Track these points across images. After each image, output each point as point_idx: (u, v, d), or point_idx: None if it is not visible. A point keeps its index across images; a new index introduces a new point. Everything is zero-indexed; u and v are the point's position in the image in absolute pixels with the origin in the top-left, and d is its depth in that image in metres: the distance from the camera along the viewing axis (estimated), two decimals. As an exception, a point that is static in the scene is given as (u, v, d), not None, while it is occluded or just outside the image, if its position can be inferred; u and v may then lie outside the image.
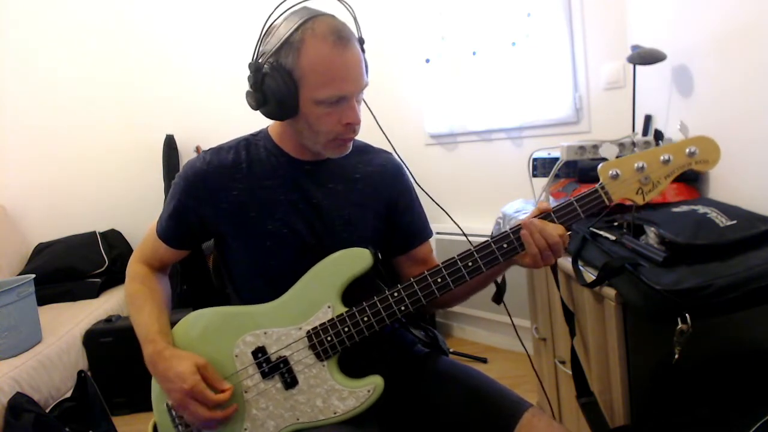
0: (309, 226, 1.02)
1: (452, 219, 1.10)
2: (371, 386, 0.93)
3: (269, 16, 0.92)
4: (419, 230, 1.12)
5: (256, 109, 0.95)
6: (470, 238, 1.05)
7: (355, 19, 0.95)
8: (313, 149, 1.00)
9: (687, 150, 0.90)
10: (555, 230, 0.89)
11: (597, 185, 0.92)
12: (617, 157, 0.94)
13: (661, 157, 0.90)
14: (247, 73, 0.94)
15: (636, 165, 0.91)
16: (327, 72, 0.89)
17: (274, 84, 0.90)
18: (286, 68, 0.89)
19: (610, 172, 0.91)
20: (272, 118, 0.97)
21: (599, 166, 0.92)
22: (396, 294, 0.93)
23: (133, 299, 1.04)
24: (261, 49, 0.92)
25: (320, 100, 0.91)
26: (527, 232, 0.90)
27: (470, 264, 0.92)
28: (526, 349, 1.16)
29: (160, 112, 2.96)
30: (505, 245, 0.92)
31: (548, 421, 0.93)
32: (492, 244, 0.92)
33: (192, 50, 2.95)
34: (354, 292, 0.96)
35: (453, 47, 2.53)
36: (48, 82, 2.90)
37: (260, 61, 0.91)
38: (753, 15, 1.21)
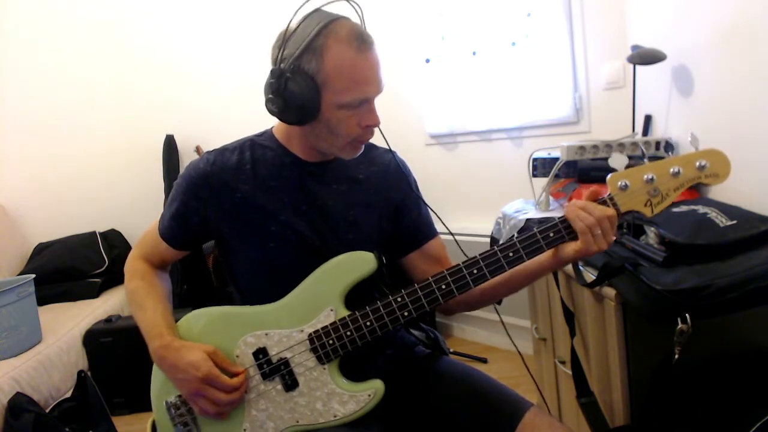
0: (313, 227, 1.01)
1: (442, 222, 1.10)
2: (372, 391, 0.93)
3: (289, 22, 0.91)
4: (427, 226, 1.12)
5: (276, 116, 0.94)
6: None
7: (362, 19, 0.94)
8: (328, 151, 1.00)
9: (697, 163, 0.89)
10: (601, 209, 0.87)
11: (606, 196, 0.90)
12: (627, 167, 0.92)
13: (671, 170, 0.89)
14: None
15: (645, 177, 0.89)
16: (351, 75, 0.89)
17: (297, 89, 0.89)
18: (308, 73, 0.89)
19: (619, 183, 0.90)
20: (291, 124, 0.96)
21: (608, 177, 0.90)
22: (399, 299, 0.92)
23: (135, 295, 1.04)
24: (280, 54, 0.91)
25: (344, 104, 0.90)
26: (569, 210, 0.88)
27: (475, 272, 0.90)
28: (518, 351, 1.17)
29: (160, 112, 2.96)
30: (510, 254, 0.90)
31: (550, 421, 0.93)
32: (498, 252, 0.90)
33: (192, 51, 2.95)
34: (358, 295, 0.95)
35: (453, 47, 2.54)
36: (48, 82, 2.90)
37: (282, 66, 0.90)
38: (753, 15, 1.21)
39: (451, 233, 1.13)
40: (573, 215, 0.88)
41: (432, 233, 1.11)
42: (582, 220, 0.87)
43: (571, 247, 0.90)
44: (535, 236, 0.90)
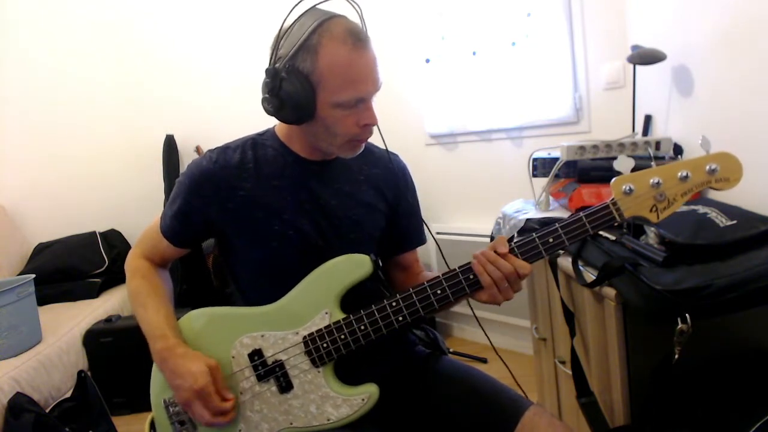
0: (316, 226, 1.01)
1: (428, 227, 1.13)
2: (366, 395, 0.92)
3: (284, 20, 0.90)
4: (414, 235, 1.13)
5: (273, 115, 0.94)
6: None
7: (362, 18, 0.93)
8: (327, 150, 1.00)
9: (707, 167, 0.85)
10: (511, 266, 0.86)
11: (608, 200, 0.87)
12: (632, 171, 0.90)
13: (679, 174, 0.85)
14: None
15: (652, 181, 0.86)
16: (346, 74, 0.88)
17: (292, 89, 0.88)
18: (303, 72, 0.88)
19: (624, 187, 0.86)
20: (288, 123, 0.96)
21: (612, 181, 0.87)
22: (394, 304, 0.91)
23: (137, 294, 1.03)
24: (276, 53, 0.90)
25: (339, 103, 0.89)
26: (477, 262, 0.88)
27: (471, 277, 0.89)
28: (506, 365, 1.17)
29: (160, 112, 2.96)
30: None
31: (549, 420, 0.93)
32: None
33: (192, 50, 2.95)
34: (354, 298, 0.95)
35: (453, 47, 2.53)
36: (48, 82, 2.90)
37: (277, 66, 0.90)
38: (753, 15, 1.21)
39: (437, 243, 1.15)
40: (479, 269, 0.87)
41: (414, 244, 1.13)
42: (490, 273, 0.87)
43: (478, 296, 0.90)
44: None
